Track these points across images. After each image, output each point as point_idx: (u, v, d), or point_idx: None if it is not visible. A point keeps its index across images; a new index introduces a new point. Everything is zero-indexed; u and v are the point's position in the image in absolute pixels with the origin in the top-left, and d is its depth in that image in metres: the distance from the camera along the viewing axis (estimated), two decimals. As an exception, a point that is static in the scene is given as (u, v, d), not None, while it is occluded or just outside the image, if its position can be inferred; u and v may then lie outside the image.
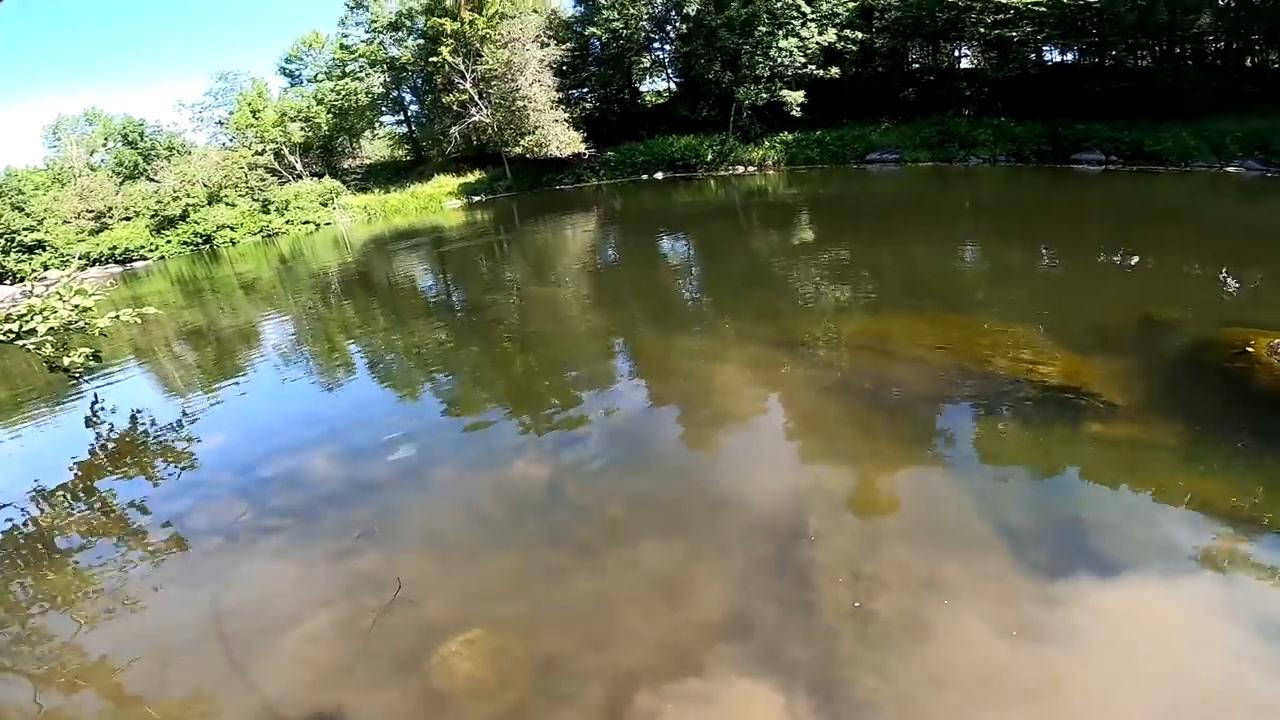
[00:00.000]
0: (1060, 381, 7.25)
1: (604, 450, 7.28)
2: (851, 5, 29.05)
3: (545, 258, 19.53)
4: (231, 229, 32.78)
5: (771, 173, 29.75)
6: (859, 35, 29.23)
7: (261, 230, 33.24)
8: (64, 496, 7.82)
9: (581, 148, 31.46)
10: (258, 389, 10.86)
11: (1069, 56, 30.17)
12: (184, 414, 9.94)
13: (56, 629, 5.41)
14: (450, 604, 5.04)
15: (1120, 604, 4.36)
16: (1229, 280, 10.97)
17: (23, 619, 5.62)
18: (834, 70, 29.33)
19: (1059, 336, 8.57)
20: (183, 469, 8.13)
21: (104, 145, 43.85)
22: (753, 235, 19.11)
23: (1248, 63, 27.12)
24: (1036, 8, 25.34)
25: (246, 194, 34.38)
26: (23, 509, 7.59)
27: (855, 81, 31.86)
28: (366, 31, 38.36)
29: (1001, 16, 26.39)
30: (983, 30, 28.06)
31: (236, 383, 11.34)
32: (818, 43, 28.43)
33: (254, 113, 37.61)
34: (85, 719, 4.43)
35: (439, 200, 34.07)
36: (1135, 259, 12.44)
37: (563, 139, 30.33)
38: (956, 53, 33.73)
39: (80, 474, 8.31)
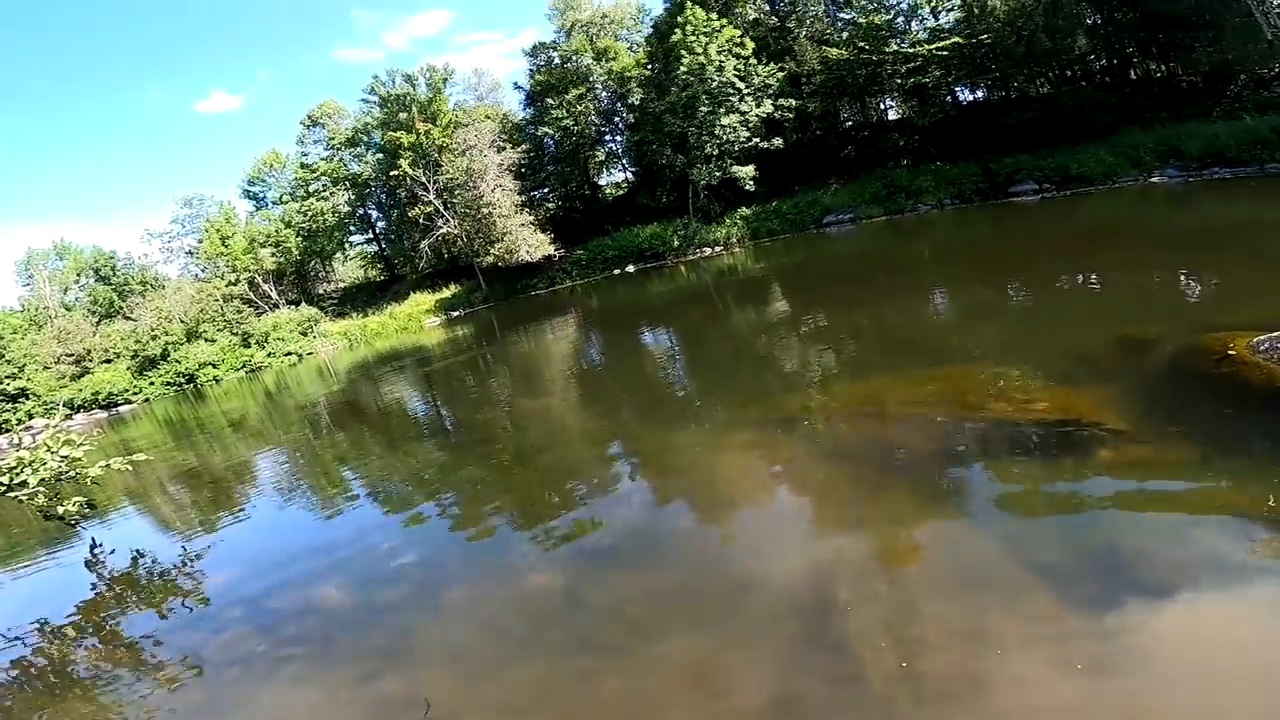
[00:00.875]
0: (1058, 416, 7.31)
1: (615, 552, 7.16)
2: (780, 75, 31.27)
3: (531, 368, 19.72)
4: (214, 366, 32.83)
5: (738, 250, 30.82)
6: (792, 102, 31.31)
7: (244, 365, 33.28)
8: (72, 632, 7.76)
9: (551, 249, 32.42)
10: (258, 525, 10.74)
11: (979, 94, 32.60)
12: (185, 552, 9.82)
13: None
14: (482, 718, 4.91)
15: (1182, 623, 4.27)
16: (1190, 286, 11.43)
17: None
18: (777, 140, 31.21)
19: (1045, 371, 8.74)
20: (190, 605, 8.01)
21: (76, 281, 44.34)
22: (730, 316, 19.65)
23: (1132, 75, 29.40)
24: (940, 52, 27.57)
25: (224, 328, 34.64)
26: (32, 645, 7.53)
27: (798, 147, 33.94)
28: (325, 149, 39.77)
29: (912, 64, 28.67)
30: (899, 80, 30.41)
31: (236, 519, 11.21)
32: (757, 115, 30.45)
33: (223, 240, 38.32)
34: None
35: (417, 319, 34.36)
36: (1095, 281, 13.01)
37: (531, 243, 31.32)
38: (883, 105, 36.24)
39: (85, 612, 8.22)
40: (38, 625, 8.01)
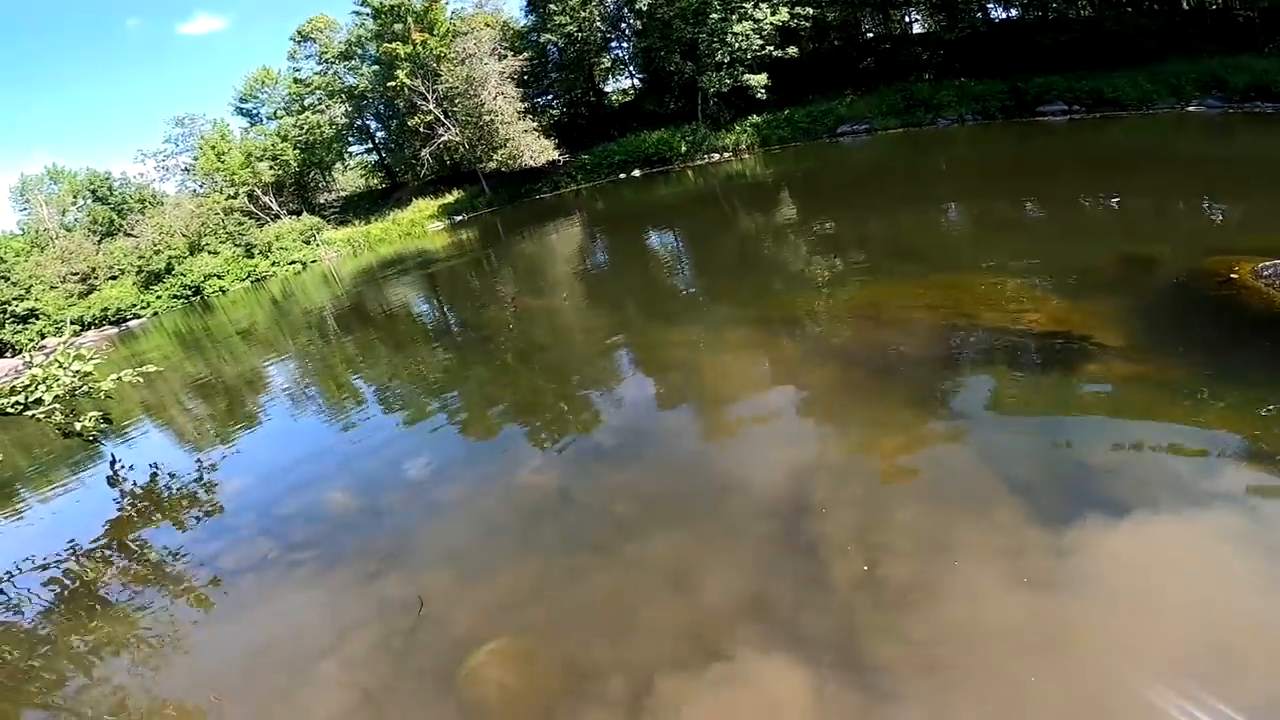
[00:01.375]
0: (1051, 328, 7.34)
1: (609, 451, 7.45)
2: (798, -18, 29.17)
3: (535, 268, 19.69)
4: (219, 278, 32.95)
5: (747, 156, 29.91)
6: (810, 10, 29.35)
7: (249, 275, 33.41)
8: (101, 552, 8.12)
9: (555, 155, 31.63)
10: (269, 431, 11.12)
11: (1013, 13, 30.32)
12: (200, 463, 10.25)
13: (117, 675, 5.68)
14: (473, 615, 5.22)
15: (1133, 545, 4.39)
16: (1209, 211, 11.09)
17: (86, 669, 5.89)
18: (792, 49, 29.43)
19: (1046, 284, 8.69)
20: (207, 516, 8.42)
21: (74, 203, 43.86)
22: (737, 219, 19.24)
23: (1184, 5, 27.31)
24: (976, -36, 25.52)
25: (227, 240, 34.54)
26: (64, 568, 7.89)
27: (815, 57, 32.05)
28: (318, 64, 38.34)
29: (943, -24, 26.59)
30: None
31: (248, 427, 11.60)
32: (772, 23, 28.54)
33: (219, 156, 37.65)
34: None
35: (420, 224, 34.22)
36: (1114, 201, 12.58)
37: (535, 148, 30.51)
38: (907, 18, 33.89)
39: (112, 531, 8.59)
40: (69, 547, 8.36)
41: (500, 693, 4.47)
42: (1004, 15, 30.54)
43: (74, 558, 8.10)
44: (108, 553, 8.08)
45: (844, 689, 3.89)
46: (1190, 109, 21.11)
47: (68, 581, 7.57)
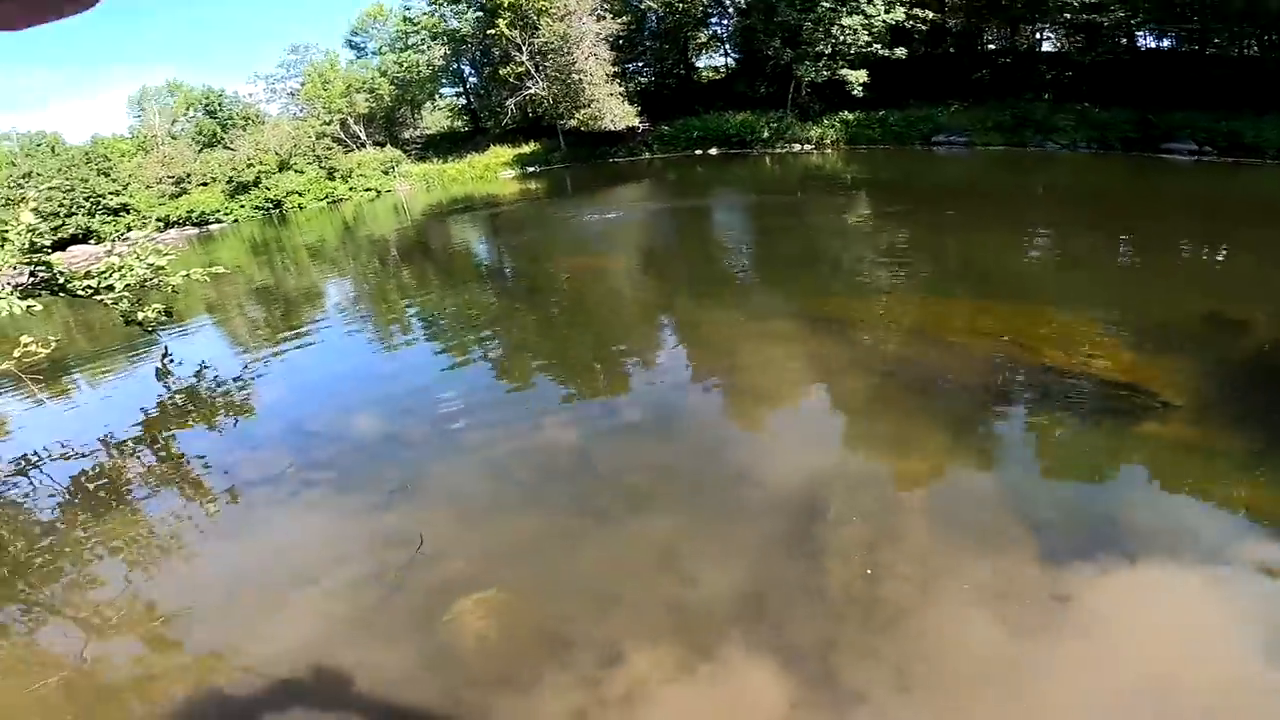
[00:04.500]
0: (1115, 376, 6.88)
1: (633, 420, 7.38)
2: (923, -18, 27.61)
3: (597, 230, 19.64)
4: (299, 195, 34.28)
5: (830, 151, 28.89)
6: (929, 14, 27.78)
7: (327, 196, 34.63)
8: (130, 446, 8.26)
9: (636, 121, 31.36)
10: (315, 347, 11.44)
11: (1165, 43, 27.84)
12: (245, 368, 10.56)
13: (109, 576, 5.72)
14: (468, 562, 5.23)
15: (1138, 615, 4.17)
16: None
17: (81, 565, 6.00)
18: (901, 50, 27.95)
19: (1119, 330, 8.15)
20: (240, 421, 8.66)
21: (185, 115, 46.03)
22: (808, 213, 18.67)
23: None
24: (1134, -13, 23.52)
25: (314, 162, 35.80)
26: (93, 459, 7.99)
27: (923, 61, 30.35)
28: (428, 3, 38.94)
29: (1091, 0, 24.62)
30: (1069, 14, 26.22)
31: (297, 340, 11.95)
32: (884, 21, 27.14)
33: (324, 83, 38.92)
34: (126, 664, 4.72)
35: (494, 170, 34.73)
36: (1219, 253, 11.63)
37: (617, 112, 30.26)
38: (1038, 35, 31.60)
39: (147, 425, 8.85)
40: (103, 436, 8.43)
41: (477, 643, 4.48)
42: (1152, 44, 28.14)
43: (104, 448, 8.21)
44: (137, 447, 8.24)
45: (816, 702, 3.78)
46: (1336, 164, 19.23)
47: (91, 472, 7.66)
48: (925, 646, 4.04)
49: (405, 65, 38.51)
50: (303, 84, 40.06)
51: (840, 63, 28.14)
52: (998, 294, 9.95)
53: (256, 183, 34.34)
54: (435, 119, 49.98)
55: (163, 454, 8.12)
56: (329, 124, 37.18)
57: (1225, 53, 25.27)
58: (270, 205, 34.17)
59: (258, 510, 6.49)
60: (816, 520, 5.21)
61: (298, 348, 11.45)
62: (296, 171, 35.24)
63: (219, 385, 9.97)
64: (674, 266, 14.39)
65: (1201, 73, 23.71)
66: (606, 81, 30.43)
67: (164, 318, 10.86)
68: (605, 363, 9.14)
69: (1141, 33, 27.23)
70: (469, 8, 36.84)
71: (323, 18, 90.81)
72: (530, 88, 32.50)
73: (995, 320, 8.65)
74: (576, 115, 30.76)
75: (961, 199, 18.95)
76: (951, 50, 30.91)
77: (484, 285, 14.67)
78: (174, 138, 42.68)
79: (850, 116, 29.15)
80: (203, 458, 7.76)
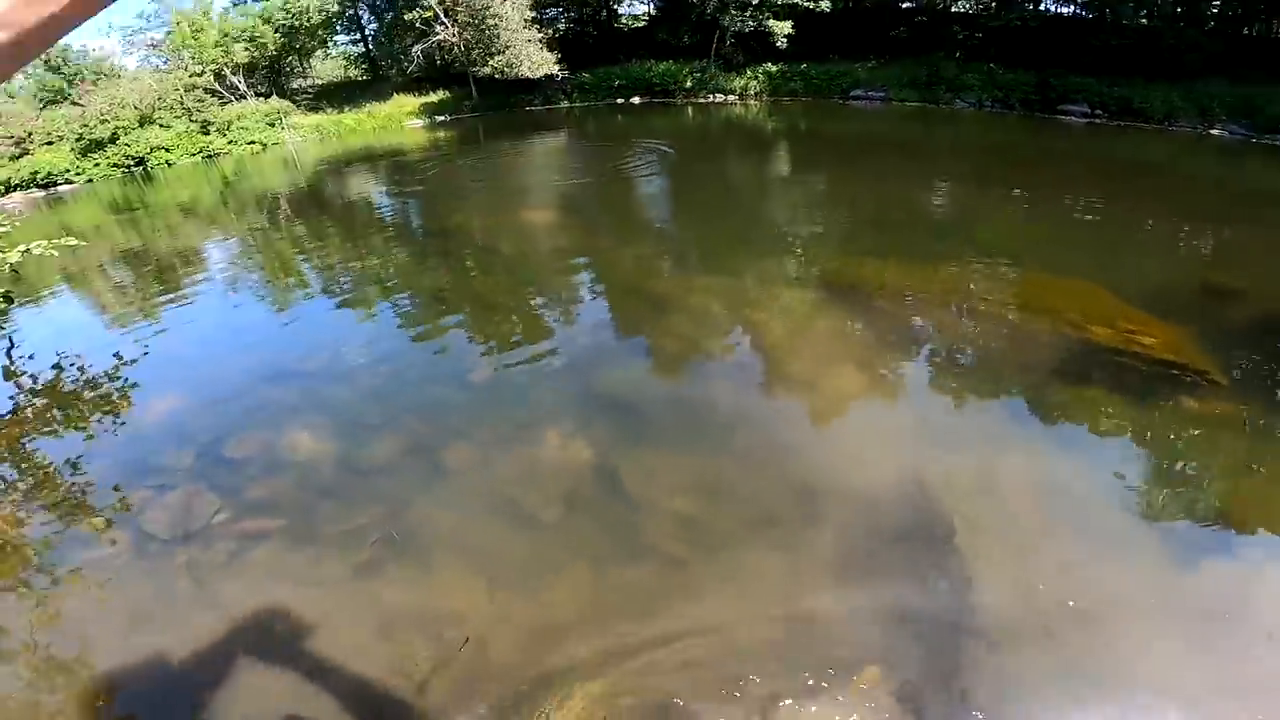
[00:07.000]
0: (1167, 356, 6.45)
1: (645, 413, 6.15)
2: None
3: (510, 181, 18.30)
4: (167, 150, 30.04)
5: (752, 102, 28.75)
6: (855, -36, 27.59)
7: (201, 151, 30.55)
8: None
9: (555, 69, 29.54)
10: (210, 333, 9.21)
11: (1069, 10, 29.13)
12: (120, 362, 8.25)
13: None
14: (524, 653, 3.85)
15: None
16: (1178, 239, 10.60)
17: None
18: (824, 3, 27.74)
19: (1149, 305, 7.65)
20: (129, 443, 6.49)
21: (25, 71, 39.37)
22: (727, 163, 18.50)
23: (1245, 31, 26.62)
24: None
25: (183, 115, 31.42)
26: None
27: (846, 15, 30.39)
28: (320, -55, 34.87)
29: (1009, -39, 25.12)
30: None
31: (187, 323, 9.60)
32: (811, -30, 26.72)
33: (195, 32, 34.01)
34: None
35: (399, 120, 31.87)
36: (1093, 216, 12.04)
37: (535, 59, 28.32)
38: (953, -4, 32.29)
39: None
40: None
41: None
42: (1061, 10, 29.27)
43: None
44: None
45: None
46: (1213, 131, 20.82)
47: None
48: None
49: (292, 11, 34.37)
50: (168, 33, 34.88)
51: (766, 13, 27.54)
52: (879, 242, 10.13)
53: (114, 139, 29.72)
54: (328, 68, 45.48)
55: (31, 481, 6.06)
56: (200, 75, 32.65)
57: (1120, 20, 26.68)
58: (131, 162, 29.74)
59: (194, 578, 4.62)
60: (938, 542, 4.39)
61: (189, 336, 9.10)
62: (162, 126, 30.84)
63: (90, 390, 7.63)
64: (591, 214, 13.72)
65: (1100, 40, 24.95)
66: (524, 27, 28.31)
67: (1, 304, 8.70)
68: (530, 327, 8.16)
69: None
70: (369, -51, 33.25)
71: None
72: (439, 32, 29.75)
73: (866, 269, 8.70)
74: (491, 63, 28.52)
75: (874, 152, 19.32)
76: (870, 5, 31.01)
77: (391, 242, 13.10)
78: (11, 97, 36.39)
79: (773, 68, 28.90)
80: (89, 506, 5.55)
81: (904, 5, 32.36)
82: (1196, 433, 5.48)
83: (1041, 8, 28.96)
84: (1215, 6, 26.35)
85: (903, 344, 7.16)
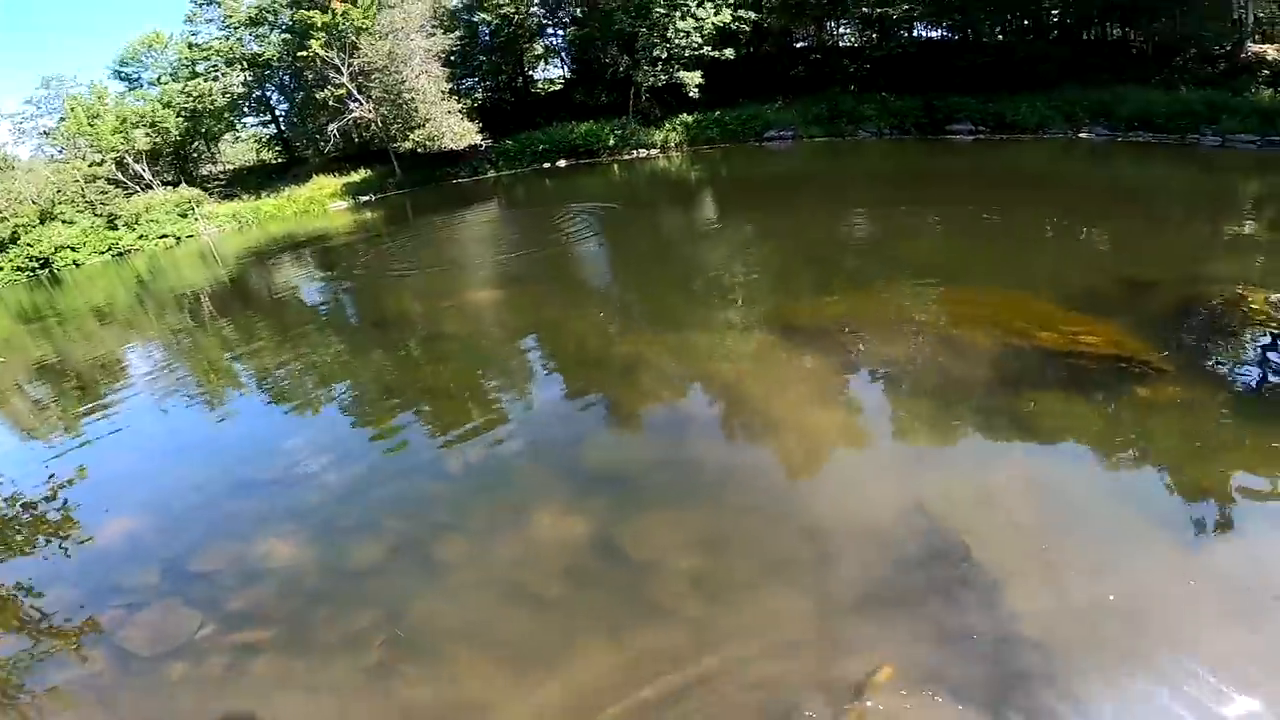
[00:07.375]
0: (1112, 351, 6.93)
1: (632, 478, 6.14)
2: (744, -14, 29.23)
3: (446, 255, 18.23)
4: (73, 249, 28.40)
5: (674, 154, 29.86)
6: (752, 15, 29.56)
7: (110, 249, 29.01)
8: None
9: (477, 139, 29.84)
10: (147, 446, 8.69)
11: (938, 34, 32.07)
12: (56, 484, 7.67)
13: None
14: None
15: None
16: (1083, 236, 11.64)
17: None
18: (729, 51, 29.48)
19: (1078, 305, 8.21)
20: (85, 565, 6.03)
21: None
22: (659, 216, 19.20)
23: (1084, 36, 29.80)
24: (914, -15, 26.58)
25: (86, 209, 29.89)
26: None
27: (749, 61, 32.36)
28: (220, 28, 34.53)
29: (883, -5, 27.51)
30: (864, 9, 29.24)
31: (120, 438, 9.01)
32: (714, 23, 28.42)
33: (90, 118, 32.67)
34: None
35: (321, 203, 31.12)
36: (994, 218, 13.16)
37: (457, 130, 28.57)
38: (839, 30, 34.99)
39: None
40: None
41: None
42: (928, 35, 32.12)
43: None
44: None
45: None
46: (1081, 135, 22.96)
47: None
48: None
49: (195, 95, 33.63)
50: (62, 118, 33.43)
51: (676, 66, 28.98)
52: (819, 277, 10.64)
53: (14, 239, 27.96)
54: (238, 152, 44.47)
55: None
56: (100, 164, 31.28)
57: (981, 37, 29.52)
58: (36, 264, 27.99)
59: (184, 700, 4.34)
60: (954, 562, 4.45)
61: (135, 455, 8.50)
62: (65, 222, 29.24)
63: (37, 523, 7.00)
64: (535, 286, 13.33)
65: (967, 60, 27.48)
66: (443, 99, 28.63)
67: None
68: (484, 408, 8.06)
69: (921, 24, 31.04)
70: (273, 30, 33.03)
71: (80, 50, 77.65)
72: (355, 110, 29.73)
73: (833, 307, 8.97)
74: (411, 136, 28.60)
75: (793, 190, 20.52)
76: (769, 49, 33.15)
77: (341, 338, 12.37)
78: (-108, 197, 33.69)
79: (689, 119, 30.22)
80: (58, 631, 5.13)
81: (798, 45, 34.82)
82: (1159, 420, 5.91)
83: (915, 34, 31.68)
84: (1055, 15, 29.38)
85: (866, 375, 7.45)
